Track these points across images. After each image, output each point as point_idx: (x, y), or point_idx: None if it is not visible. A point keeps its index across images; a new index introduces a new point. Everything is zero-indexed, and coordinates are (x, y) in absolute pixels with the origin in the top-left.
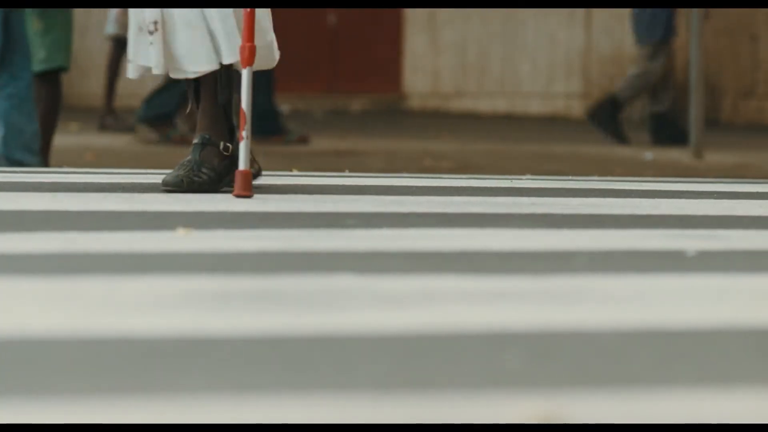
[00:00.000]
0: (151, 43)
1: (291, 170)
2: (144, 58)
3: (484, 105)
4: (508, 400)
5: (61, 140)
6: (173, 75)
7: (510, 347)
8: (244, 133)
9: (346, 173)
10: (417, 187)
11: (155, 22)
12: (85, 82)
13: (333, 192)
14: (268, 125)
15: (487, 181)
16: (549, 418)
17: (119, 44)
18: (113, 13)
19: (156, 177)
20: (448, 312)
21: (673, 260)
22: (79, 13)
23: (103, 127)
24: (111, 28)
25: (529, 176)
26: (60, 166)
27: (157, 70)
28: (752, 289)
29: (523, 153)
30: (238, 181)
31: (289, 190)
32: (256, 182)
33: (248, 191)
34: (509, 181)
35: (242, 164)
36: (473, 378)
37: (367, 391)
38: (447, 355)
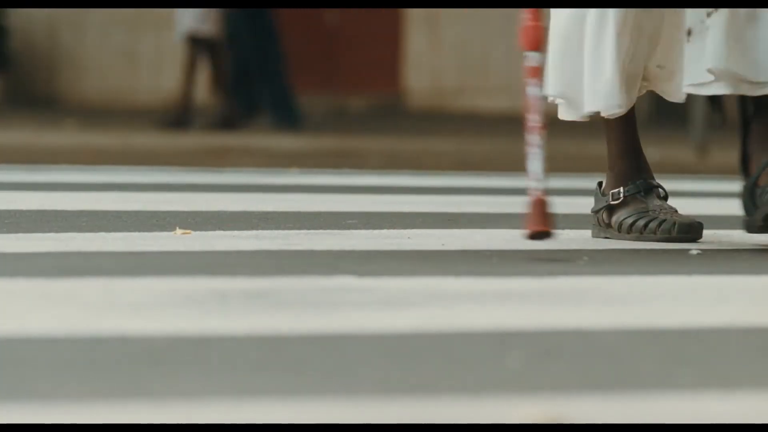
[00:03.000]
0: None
1: (290, 169)
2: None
3: (485, 103)
4: (510, 401)
5: (58, 139)
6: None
7: (512, 347)
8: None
9: (346, 172)
10: (417, 186)
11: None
12: (83, 80)
13: (333, 192)
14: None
15: (488, 180)
16: (551, 419)
17: (197, 43)
18: (192, 12)
19: (155, 176)
20: (449, 312)
21: (676, 260)
22: (78, 14)
23: (174, 125)
24: (187, 27)
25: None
26: (57, 164)
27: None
28: (755, 289)
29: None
30: (531, 212)
31: (289, 190)
32: None
33: (544, 226)
34: (510, 179)
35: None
36: (474, 378)
37: (367, 391)
38: (448, 356)
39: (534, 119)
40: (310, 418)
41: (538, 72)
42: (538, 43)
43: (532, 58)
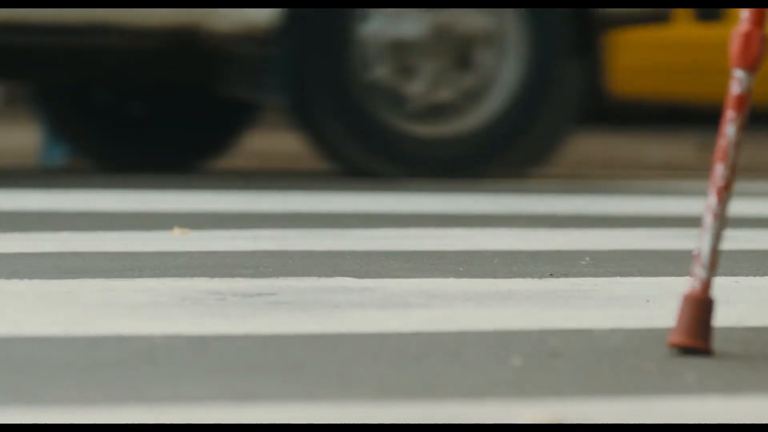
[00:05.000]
0: None
1: (289, 169)
2: None
3: None
4: (511, 401)
5: None
6: None
7: (513, 348)
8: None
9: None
10: (417, 186)
11: None
12: None
13: (333, 192)
14: None
15: (489, 180)
16: (553, 419)
17: None
18: None
19: (153, 176)
20: (449, 313)
21: (679, 261)
22: None
23: None
24: None
25: (532, 175)
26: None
27: None
28: (759, 289)
29: None
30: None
31: (288, 190)
32: None
33: (696, 339)
34: (512, 180)
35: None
36: (475, 379)
37: (366, 391)
38: (448, 357)
39: (721, 173)
40: (309, 419)
41: (743, 103)
42: (755, 60)
43: (739, 81)
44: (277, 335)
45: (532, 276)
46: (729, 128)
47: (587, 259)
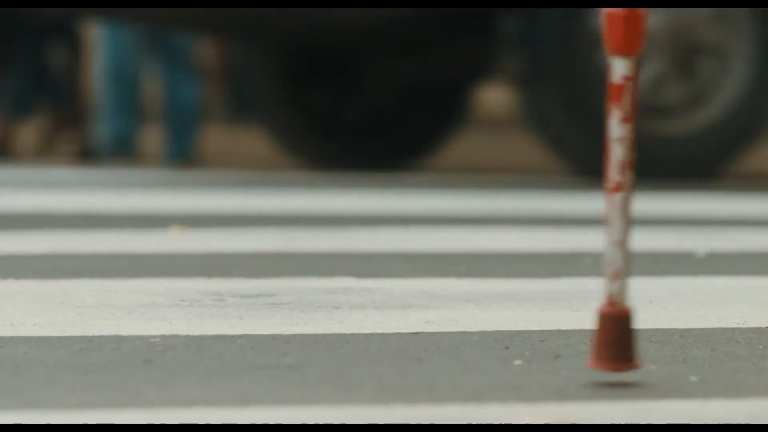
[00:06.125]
0: None
1: (289, 168)
2: None
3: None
4: (512, 402)
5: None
6: None
7: (514, 349)
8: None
9: (346, 172)
10: (417, 186)
11: None
12: None
13: (333, 192)
14: None
15: (491, 179)
16: (553, 420)
17: None
18: None
19: (151, 175)
20: (450, 313)
21: (682, 261)
22: None
23: None
24: None
25: (534, 175)
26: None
27: None
28: (762, 290)
29: (529, 150)
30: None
31: (288, 189)
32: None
33: (618, 361)
34: (512, 180)
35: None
36: (476, 379)
37: (367, 392)
38: (449, 357)
39: (614, 177)
40: (309, 420)
41: (622, 93)
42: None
43: (619, 68)
44: (276, 336)
45: (532, 276)
46: (612, 123)
47: (588, 259)
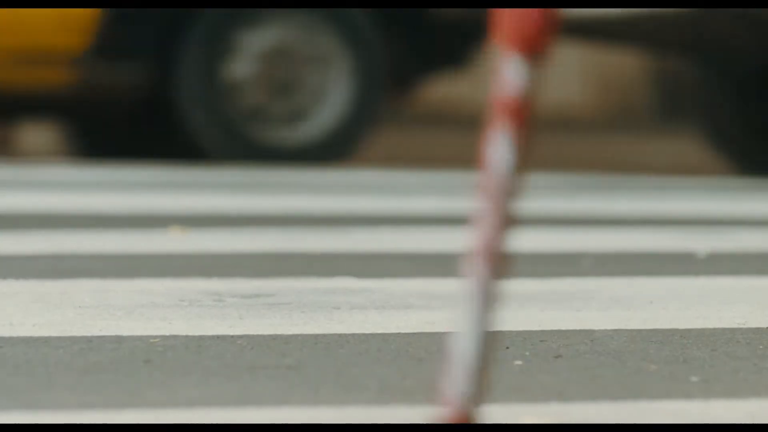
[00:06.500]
0: None
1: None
2: None
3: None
4: (513, 402)
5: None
6: None
7: (515, 349)
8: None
9: (346, 171)
10: (418, 186)
11: None
12: None
13: (333, 191)
14: None
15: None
16: (554, 420)
17: None
18: None
19: (150, 175)
20: (451, 314)
21: (683, 262)
22: None
23: None
24: None
25: (535, 174)
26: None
27: None
28: (762, 291)
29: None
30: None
31: (288, 189)
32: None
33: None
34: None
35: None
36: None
37: (368, 393)
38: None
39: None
40: (309, 419)
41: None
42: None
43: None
44: (276, 336)
45: (533, 276)
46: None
47: (590, 259)
